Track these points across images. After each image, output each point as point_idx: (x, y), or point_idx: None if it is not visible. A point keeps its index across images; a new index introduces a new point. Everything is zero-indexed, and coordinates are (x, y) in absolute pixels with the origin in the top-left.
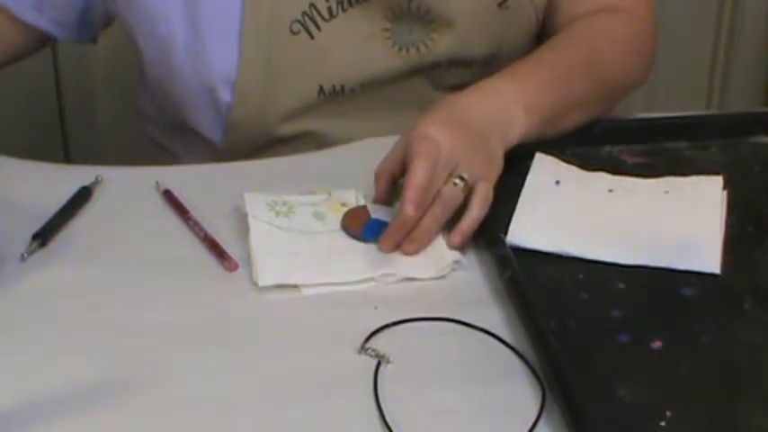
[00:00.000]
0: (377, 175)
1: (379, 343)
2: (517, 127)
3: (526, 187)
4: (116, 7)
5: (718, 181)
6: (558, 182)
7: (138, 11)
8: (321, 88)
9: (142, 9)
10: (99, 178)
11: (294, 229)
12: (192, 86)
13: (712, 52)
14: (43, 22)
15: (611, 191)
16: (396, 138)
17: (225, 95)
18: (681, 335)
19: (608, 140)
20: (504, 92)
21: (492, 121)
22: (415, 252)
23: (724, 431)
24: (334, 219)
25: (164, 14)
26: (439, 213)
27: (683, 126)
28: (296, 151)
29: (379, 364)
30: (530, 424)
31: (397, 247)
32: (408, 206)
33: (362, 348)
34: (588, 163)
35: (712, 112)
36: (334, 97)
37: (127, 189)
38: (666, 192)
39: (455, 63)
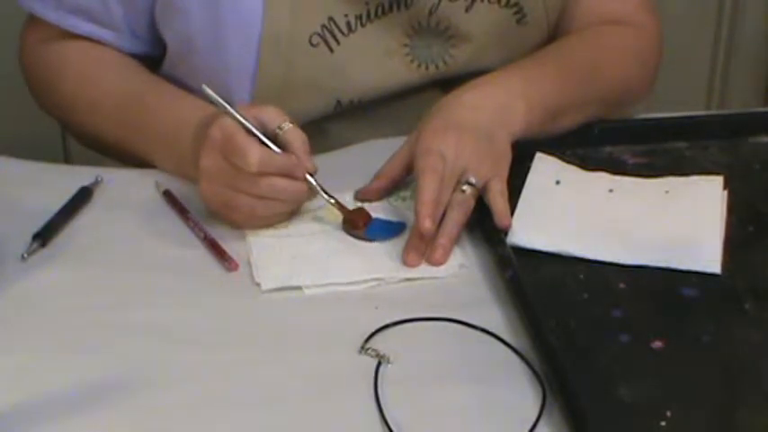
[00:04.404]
0: (377, 175)
1: (379, 343)
2: (519, 118)
3: (526, 187)
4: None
5: (718, 181)
6: (558, 182)
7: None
8: (338, 102)
9: (168, 5)
10: (99, 178)
11: (294, 234)
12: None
13: (712, 52)
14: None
15: (611, 191)
16: (396, 140)
17: (241, 102)
18: (681, 335)
19: (608, 140)
20: (506, 84)
21: (495, 116)
22: (444, 258)
23: (724, 431)
24: (333, 221)
25: (185, 11)
26: (458, 217)
27: (683, 126)
28: None
29: (379, 364)
30: (530, 424)
31: (422, 256)
32: (425, 220)
33: (363, 348)
34: (588, 163)
35: (712, 112)
36: (349, 109)
37: (127, 189)
38: (667, 192)
39: (470, 75)
